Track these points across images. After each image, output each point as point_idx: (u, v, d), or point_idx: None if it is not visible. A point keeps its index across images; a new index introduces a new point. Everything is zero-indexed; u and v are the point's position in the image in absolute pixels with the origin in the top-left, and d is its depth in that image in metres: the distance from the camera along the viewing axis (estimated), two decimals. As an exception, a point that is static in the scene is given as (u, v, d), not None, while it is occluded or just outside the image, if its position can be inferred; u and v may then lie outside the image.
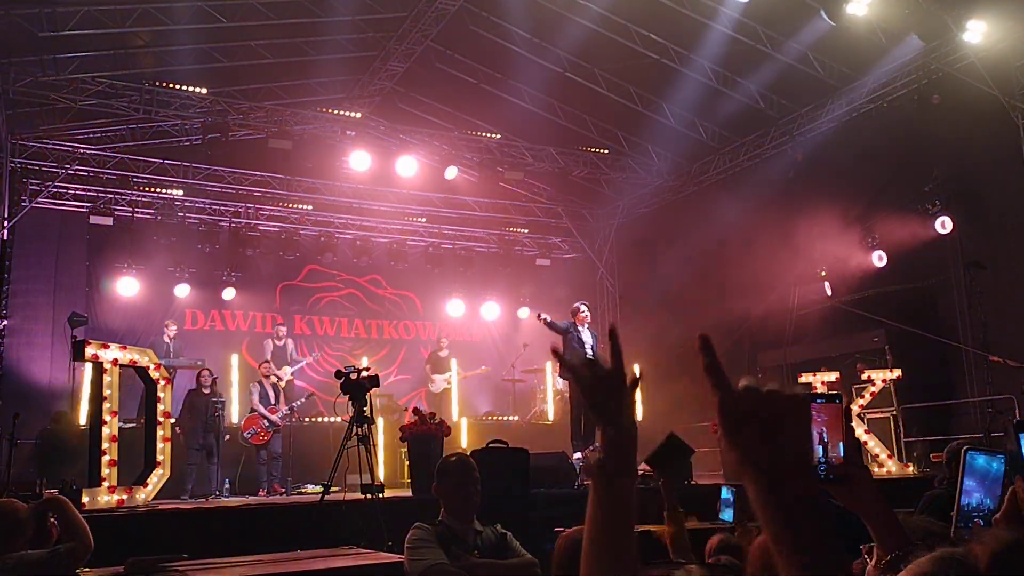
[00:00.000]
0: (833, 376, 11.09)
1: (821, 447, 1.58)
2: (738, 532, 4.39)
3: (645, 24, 12.40)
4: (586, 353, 10.40)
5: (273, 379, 11.97)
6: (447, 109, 15.21)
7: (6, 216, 12.55)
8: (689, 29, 12.06)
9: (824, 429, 1.58)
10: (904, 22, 10.64)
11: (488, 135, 15.19)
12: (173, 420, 10.14)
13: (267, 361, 12.33)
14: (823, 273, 13.23)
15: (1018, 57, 10.75)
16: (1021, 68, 10.81)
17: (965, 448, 1.73)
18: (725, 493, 4.73)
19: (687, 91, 13.36)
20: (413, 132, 14.73)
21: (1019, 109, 10.88)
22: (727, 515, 4.69)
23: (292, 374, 12.95)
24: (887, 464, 10.71)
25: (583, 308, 10.65)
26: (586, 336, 10.56)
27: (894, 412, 11.33)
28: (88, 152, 13.72)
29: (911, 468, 10.98)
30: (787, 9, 11.10)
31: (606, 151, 15.57)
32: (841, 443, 1.58)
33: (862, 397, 11.09)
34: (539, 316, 10.44)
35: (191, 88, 12.87)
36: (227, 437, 11.01)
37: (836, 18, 10.41)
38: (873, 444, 10.75)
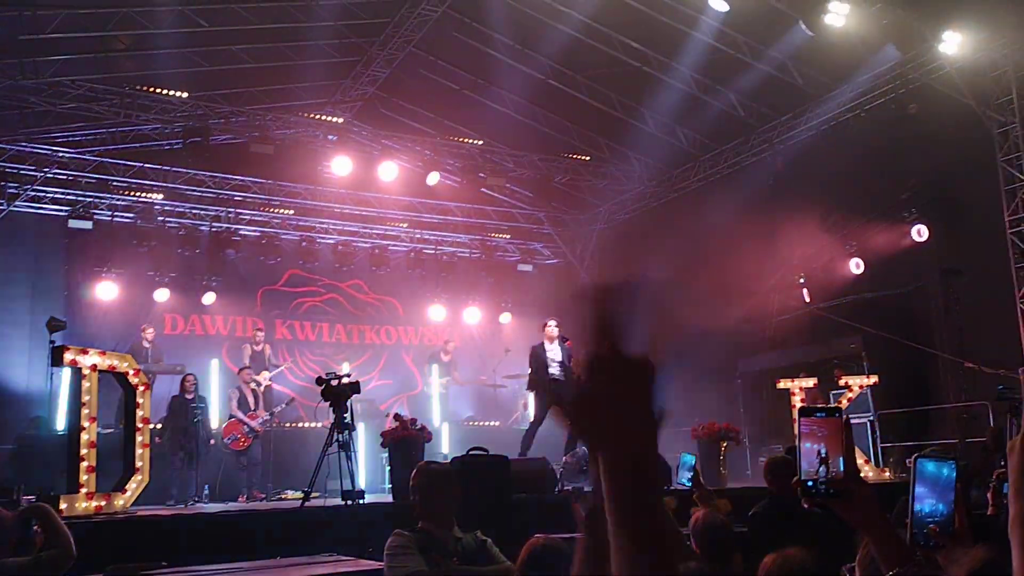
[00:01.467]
0: (811, 382, 11.20)
1: (820, 462, 1.60)
2: (697, 496, 4.45)
3: (627, 32, 12.49)
4: (549, 370, 10.37)
5: (253, 385, 11.93)
6: (429, 115, 15.23)
7: (-17, 220, 12.46)
8: (670, 38, 12.16)
9: (823, 444, 1.61)
10: (881, 33, 10.78)
11: (470, 141, 15.21)
12: (155, 426, 10.12)
13: (247, 367, 12.28)
14: (801, 280, 13.36)
15: (993, 67, 10.92)
16: (996, 78, 10.98)
17: (915, 456, 1.77)
18: (687, 458, 4.86)
19: (668, 99, 13.45)
20: (395, 137, 14.74)
21: (994, 119, 11.04)
22: (684, 479, 4.82)
23: (271, 379, 12.92)
24: (864, 469, 10.82)
25: (551, 324, 10.63)
26: (554, 353, 10.51)
27: (871, 418, 11.46)
28: (67, 156, 13.62)
29: (887, 473, 11.11)
30: (767, 19, 11.21)
31: (587, 158, 15.64)
32: (841, 458, 1.60)
33: (839, 403, 11.20)
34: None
35: (172, 92, 12.81)
36: (212, 442, 10.96)
37: (814, 28, 10.53)
38: (850, 449, 10.86)
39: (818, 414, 1.62)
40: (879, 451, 11.39)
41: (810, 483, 1.60)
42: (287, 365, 13.97)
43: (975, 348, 11.29)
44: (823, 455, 1.59)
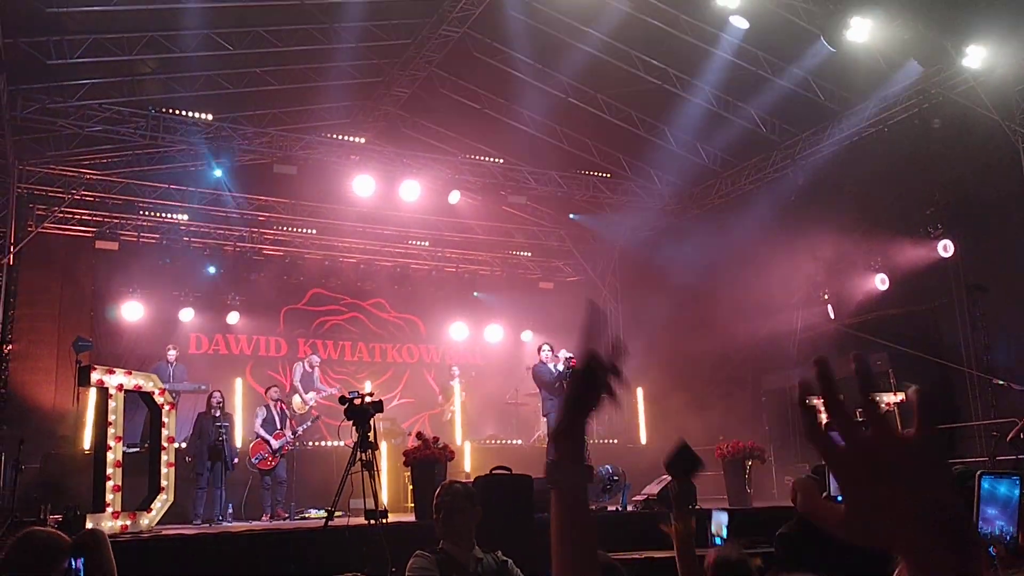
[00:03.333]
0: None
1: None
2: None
3: (647, 50, 12.51)
4: (555, 386, 10.49)
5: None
6: (450, 134, 15.32)
7: (12, 241, 12.63)
8: (690, 55, 12.16)
9: None
10: (903, 48, 10.72)
11: (491, 160, 15.27)
12: (181, 445, 10.17)
13: (274, 385, 12.29)
14: (826, 296, 13.26)
15: (1017, 81, 10.82)
16: (1020, 92, 10.88)
17: (980, 472, 1.73)
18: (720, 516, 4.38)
19: (689, 115, 13.45)
20: (417, 157, 14.82)
21: (1019, 133, 10.93)
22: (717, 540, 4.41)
23: (315, 400, 13.01)
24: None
25: (545, 349, 10.82)
26: (555, 372, 10.70)
27: (899, 436, 11.30)
28: (94, 177, 13.82)
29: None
30: (787, 35, 11.19)
31: (608, 175, 15.65)
32: None
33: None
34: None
35: (197, 114, 12.98)
36: (236, 460, 10.97)
37: (836, 44, 10.49)
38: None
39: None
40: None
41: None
42: (335, 389, 13.86)
43: (1003, 364, 11.14)
44: None
